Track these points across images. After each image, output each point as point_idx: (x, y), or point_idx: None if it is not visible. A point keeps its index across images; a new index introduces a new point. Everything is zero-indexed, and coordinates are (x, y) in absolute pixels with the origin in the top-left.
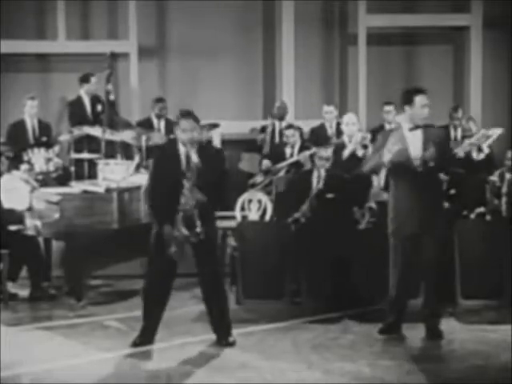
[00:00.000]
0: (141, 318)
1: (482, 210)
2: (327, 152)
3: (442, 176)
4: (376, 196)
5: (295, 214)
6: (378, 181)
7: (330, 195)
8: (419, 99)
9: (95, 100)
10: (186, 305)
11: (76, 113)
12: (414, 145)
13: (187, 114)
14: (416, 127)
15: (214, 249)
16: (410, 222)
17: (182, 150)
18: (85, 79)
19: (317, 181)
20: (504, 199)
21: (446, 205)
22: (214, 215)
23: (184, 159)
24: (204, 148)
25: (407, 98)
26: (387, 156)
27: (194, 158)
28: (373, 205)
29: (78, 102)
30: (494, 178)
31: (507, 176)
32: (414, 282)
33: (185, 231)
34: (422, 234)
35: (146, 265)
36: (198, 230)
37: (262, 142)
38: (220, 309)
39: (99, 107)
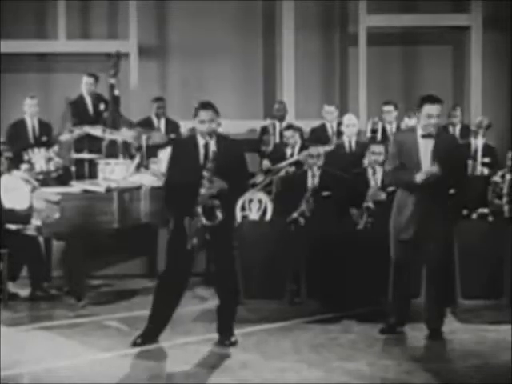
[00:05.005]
0: (141, 318)
1: (484, 210)
2: (318, 150)
3: None
4: (374, 196)
5: (293, 214)
6: (375, 181)
7: (325, 193)
8: (427, 108)
9: (98, 99)
10: (187, 304)
11: (78, 111)
12: (425, 153)
13: (207, 105)
14: (428, 135)
15: (230, 242)
16: (407, 228)
17: (200, 141)
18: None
19: (312, 179)
20: (505, 200)
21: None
22: (234, 206)
23: (203, 150)
24: (222, 138)
25: (418, 104)
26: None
27: (214, 148)
28: (370, 205)
29: (80, 100)
30: (496, 178)
31: (508, 177)
32: (412, 283)
33: (205, 221)
34: (420, 238)
35: (156, 264)
36: (218, 214)
37: (266, 143)
38: (232, 308)
39: (102, 106)
